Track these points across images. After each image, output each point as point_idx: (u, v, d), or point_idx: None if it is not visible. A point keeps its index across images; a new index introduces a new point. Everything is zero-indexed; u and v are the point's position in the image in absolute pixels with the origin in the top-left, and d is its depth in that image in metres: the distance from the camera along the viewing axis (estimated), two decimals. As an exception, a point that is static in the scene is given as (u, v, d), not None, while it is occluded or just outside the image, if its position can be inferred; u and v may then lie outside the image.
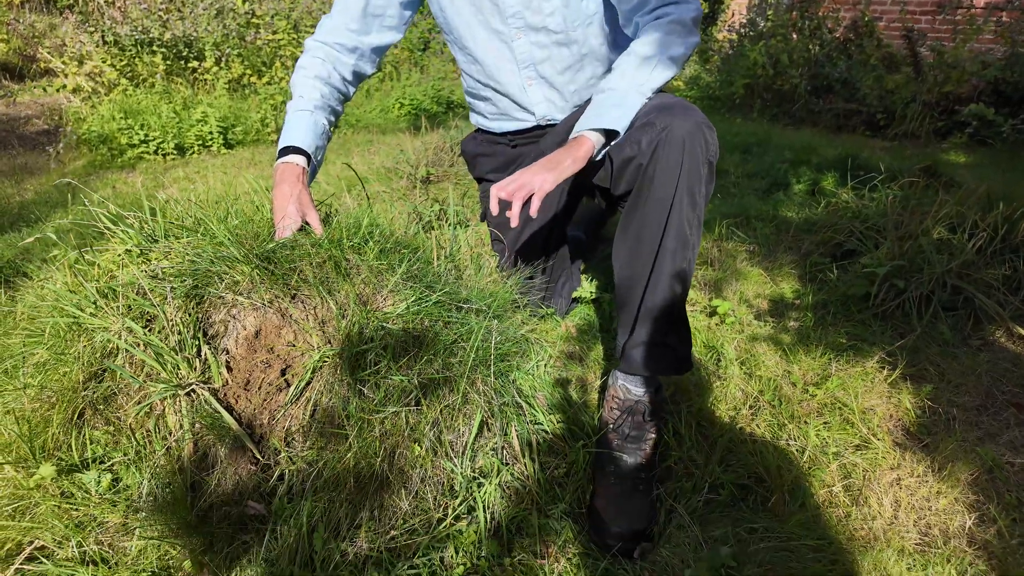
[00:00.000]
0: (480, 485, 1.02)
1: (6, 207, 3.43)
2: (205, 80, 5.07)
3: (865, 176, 3.04)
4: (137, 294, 1.07)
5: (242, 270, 1.04)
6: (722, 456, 1.23)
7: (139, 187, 3.69)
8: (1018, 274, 1.86)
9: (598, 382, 1.49)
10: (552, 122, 1.42)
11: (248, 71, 5.20)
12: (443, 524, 0.95)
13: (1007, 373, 1.57)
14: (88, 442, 1.03)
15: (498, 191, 1.08)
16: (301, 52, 1.41)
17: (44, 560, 0.91)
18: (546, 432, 1.19)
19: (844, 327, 1.74)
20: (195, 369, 1.00)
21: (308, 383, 0.97)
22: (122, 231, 1.19)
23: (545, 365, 1.36)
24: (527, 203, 1.05)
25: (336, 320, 1.00)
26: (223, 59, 5.09)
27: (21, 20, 8.60)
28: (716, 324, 1.76)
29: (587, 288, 1.79)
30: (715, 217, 2.48)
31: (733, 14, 7.72)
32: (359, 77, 1.42)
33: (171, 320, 1.02)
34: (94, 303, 1.10)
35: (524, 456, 1.09)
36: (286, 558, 0.86)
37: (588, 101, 1.36)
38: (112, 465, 1.00)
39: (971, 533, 1.13)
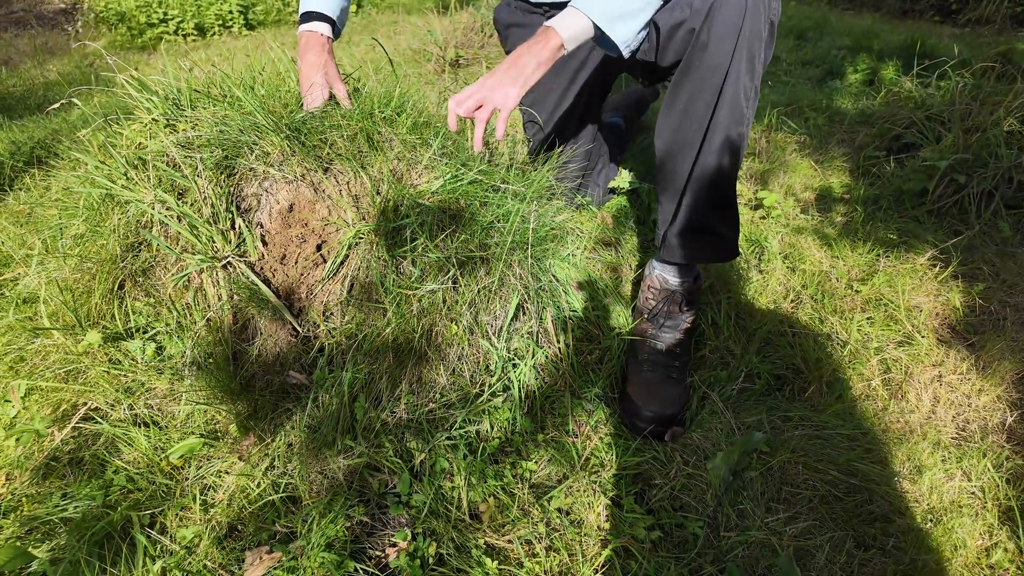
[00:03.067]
0: (515, 366, 1.02)
1: (31, 88, 3.38)
2: (221, -47, 4.77)
3: (931, 63, 2.80)
4: (167, 165, 1.04)
5: (272, 140, 1.00)
6: (760, 347, 1.21)
7: (160, 70, 3.59)
8: (1093, 171, 1.72)
9: (633, 273, 1.45)
10: None
11: (266, -57, 4.86)
12: (480, 399, 0.96)
13: (1067, 275, 1.49)
14: (131, 312, 1.05)
15: (456, 106, 0.97)
16: None
17: (100, 420, 0.95)
18: (581, 318, 1.17)
19: (896, 223, 1.66)
20: (230, 242, 0.98)
21: (344, 259, 0.96)
22: (147, 99, 1.14)
23: (581, 253, 1.33)
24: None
25: (371, 195, 0.97)
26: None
27: None
28: (761, 217, 1.68)
29: (625, 178, 1.71)
30: (764, 106, 2.32)
31: None
32: None
33: (203, 192, 0.99)
34: (125, 175, 1.07)
35: (559, 340, 1.08)
36: (328, 424, 0.89)
37: None
38: (155, 335, 1.02)
39: (1011, 429, 1.11)
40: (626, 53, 1.00)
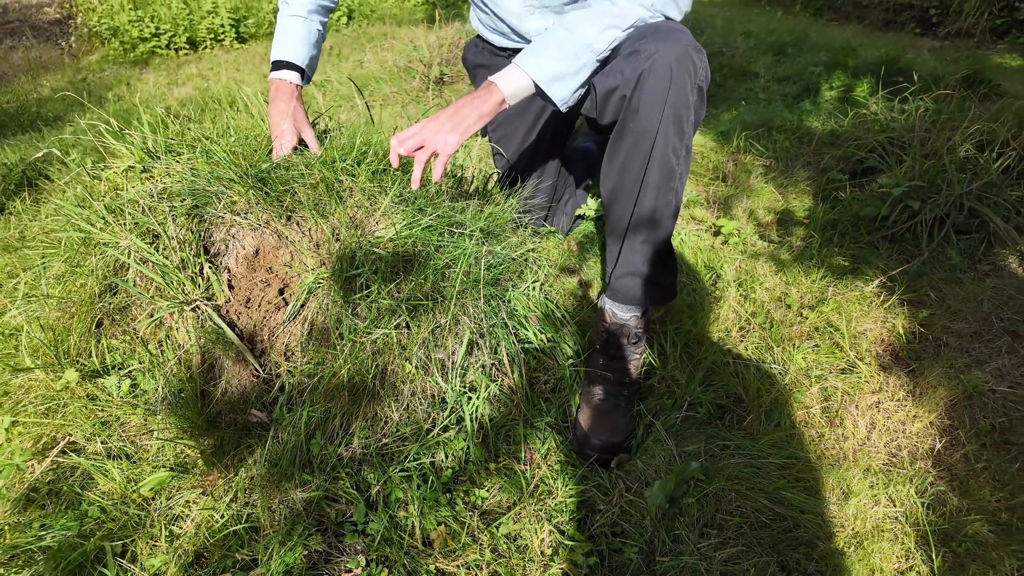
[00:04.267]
0: (469, 399, 1.08)
1: (25, 104, 3.45)
2: (214, -35, 4.83)
3: (902, 84, 2.86)
4: (142, 211, 1.11)
5: (239, 191, 1.07)
6: (704, 376, 1.28)
7: (152, 85, 3.66)
8: (1044, 195, 1.79)
9: (596, 297, 1.52)
10: None
11: (258, -45, 4.93)
12: (431, 434, 1.02)
13: (1010, 300, 1.56)
14: (107, 349, 1.11)
15: (398, 144, 1.03)
16: None
17: (74, 455, 1.02)
18: (537, 349, 1.24)
19: (850, 248, 1.72)
20: (199, 286, 1.05)
21: (304, 303, 1.03)
22: (126, 147, 1.21)
23: (541, 285, 1.39)
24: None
25: (329, 243, 1.03)
26: (231, -58, 4.81)
27: None
28: (720, 244, 1.75)
29: (591, 205, 1.78)
30: (735, 128, 2.39)
31: None
32: None
33: (173, 238, 1.06)
34: (103, 219, 1.14)
35: (512, 372, 1.15)
36: (287, 459, 0.95)
37: None
38: (130, 371, 1.09)
39: (938, 456, 1.18)
40: (564, 108, 1.07)
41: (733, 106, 2.87)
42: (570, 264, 1.66)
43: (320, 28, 1.30)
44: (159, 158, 1.21)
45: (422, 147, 1.04)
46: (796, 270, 1.64)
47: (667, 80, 0.96)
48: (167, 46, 4.14)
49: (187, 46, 4.18)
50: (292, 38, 1.26)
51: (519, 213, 1.49)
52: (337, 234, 1.04)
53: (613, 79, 1.01)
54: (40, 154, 1.62)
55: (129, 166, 1.18)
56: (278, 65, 1.26)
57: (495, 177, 1.71)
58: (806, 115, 2.53)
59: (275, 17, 4.53)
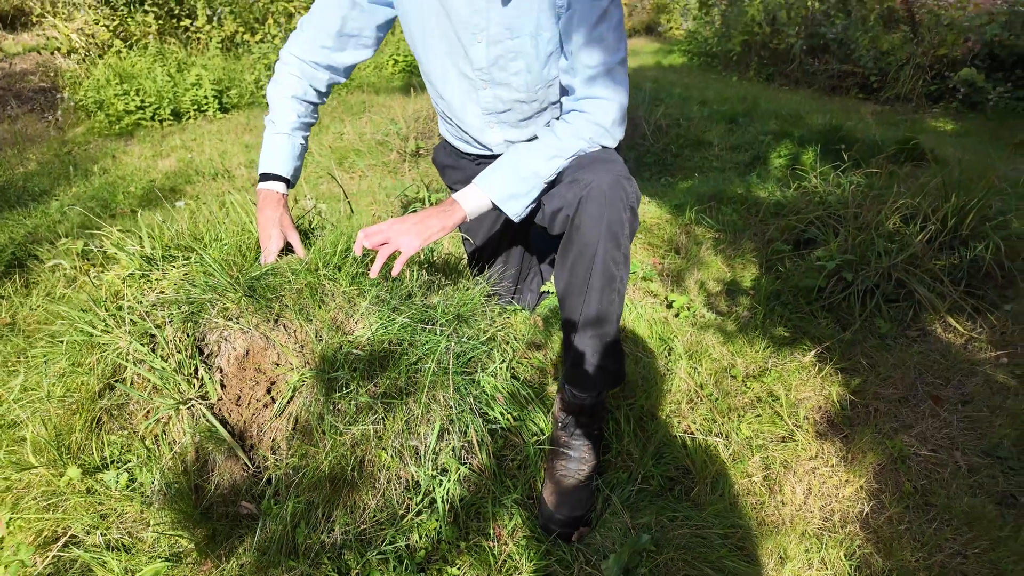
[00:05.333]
0: (441, 482, 1.20)
1: (11, 179, 3.55)
2: (198, 39, 5.06)
3: (845, 149, 3.11)
4: (141, 315, 1.23)
5: (231, 298, 1.19)
6: (656, 450, 1.41)
7: (137, 157, 3.79)
8: (963, 263, 1.98)
9: (559, 371, 1.65)
10: None
11: (241, 28, 5.17)
12: (405, 519, 1.13)
13: (934, 365, 1.72)
14: (106, 444, 1.21)
15: (365, 238, 1.19)
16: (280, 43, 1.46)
17: (74, 548, 1.10)
18: (504, 428, 1.36)
19: (791, 318, 1.89)
20: (193, 386, 1.16)
21: (290, 399, 1.14)
22: (126, 256, 1.33)
23: (508, 364, 1.52)
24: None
25: (312, 344, 1.16)
26: (215, 17, 5.05)
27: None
28: (672, 316, 1.90)
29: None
30: (688, 200, 2.59)
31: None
32: (333, 86, 1.51)
33: (171, 342, 1.17)
34: (104, 322, 1.25)
35: (480, 453, 1.27)
36: (274, 548, 1.05)
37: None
38: (128, 466, 1.18)
39: (866, 519, 1.31)
40: (517, 220, 1.26)
41: (689, 175, 3.09)
42: (536, 339, 1.79)
43: (302, 142, 1.45)
44: (157, 264, 1.33)
45: (386, 243, 1.19)
46: (741, 341, 1.79)
47: (603, 205, 1.13)
48: (152, 118, 4.30)
49: (171, 117, 4.34)
50: (278, 153, 1.41)
51: (487, 296, 1.63)
52: (320, 335, 1.17)
53: (558, 201, 1.18)
54: (49, 265, 1.72)
55: (129, 274, 1.30)
56: (265, 177, 1.40)
57: (464, 260, 1.86)
58: (755, 186, 2.74)
59: (256, 87, 4.74)
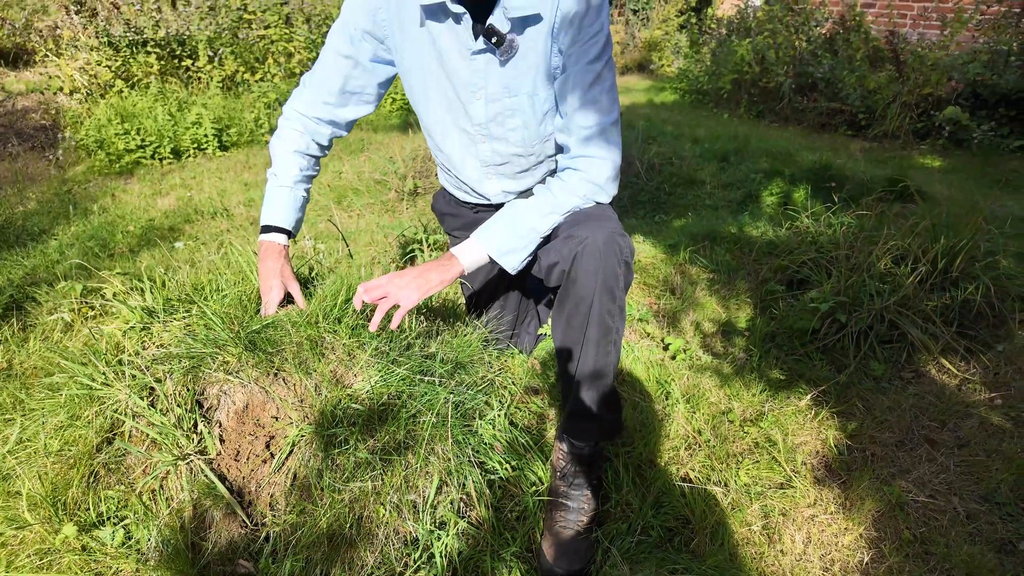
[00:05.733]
0: (439, 537, 1.19)
1: (11, 218, 3.56)
2: (199, 78, 5.14)
3: (835, 188, 3.16)
4: (141, 369, 1.23)
5: (231, 351, 1.20)
6: (656, 499, 1.40)
7: (137, 196, 3.82)
8: (954, 304, 2.01)
9: (558, 417, 1.65)
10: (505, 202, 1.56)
11: (241, 68, 5.27)
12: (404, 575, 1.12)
13: (929, 407, 1.73)
14: (102, 500, 1.20)
15: (364, 292, 1.21)
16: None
17: (71, 608, 1.09)
18: (503, 478, 1.36)
19: (787, 361, 1.90)
20: (192, 440, 1.16)
21: (289, 454, 1.14)
22: (127, 309, 1.34)
23: (507, 411, 1.53)
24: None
25: (312, 398, 1.16)
26: (216, 57, 5.15)
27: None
28: (669, 359, 1.92)
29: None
30: (682, 240, 2.62)
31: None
32: (334, 139, 1.55)
33: (171, 396, 1.18)
34: (104, 375, 1.26)
35: (479, 506, 1.26)
36: (272, 608, 1.04)
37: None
38: (124, 522, 1.17)
39: (866, 568, 1.30)
40: (513, 272, 1.29)
41: (682, 213, 3.13)
42: (534, 383, 1.80)
43: (304, 194, 1.48)
44: (158, 316, 1.34)
45: (385, 297, 1.22)
46: (738, 384, 1.80)
47: (598, 260, 1.15)
48: (152, 156, 4.35)
49: (171, 156, 4.39)
50: (280, 205, 1.43)
51: (484, 342, 1.64)
52: (319, 389, 1.17)
53: (554, 256, 1.21)
54: (52, 318, 1.73)
55: (131, 327, 1.31)
56: (267, 229, 1.43)
57: (462, 302, 1.88)
58: (747, 225, 2.78)
59: (256, 126, 4.81)
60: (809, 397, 1.73)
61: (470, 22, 1.23)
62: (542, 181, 1.49)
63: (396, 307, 1.22)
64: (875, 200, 2.70)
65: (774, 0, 5.70)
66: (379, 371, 1.21)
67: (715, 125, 4.69)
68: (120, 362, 1.25)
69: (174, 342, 1.25)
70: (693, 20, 6.94)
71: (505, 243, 1.25)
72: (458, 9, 1.20)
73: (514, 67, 1.26)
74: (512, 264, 1.26)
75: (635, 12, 6.82)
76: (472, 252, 1.26)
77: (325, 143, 1.50)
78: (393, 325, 1.20)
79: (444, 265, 1.25)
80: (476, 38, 1.24)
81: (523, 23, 1.20)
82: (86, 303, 2.36)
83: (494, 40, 1.21)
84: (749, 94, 5.07)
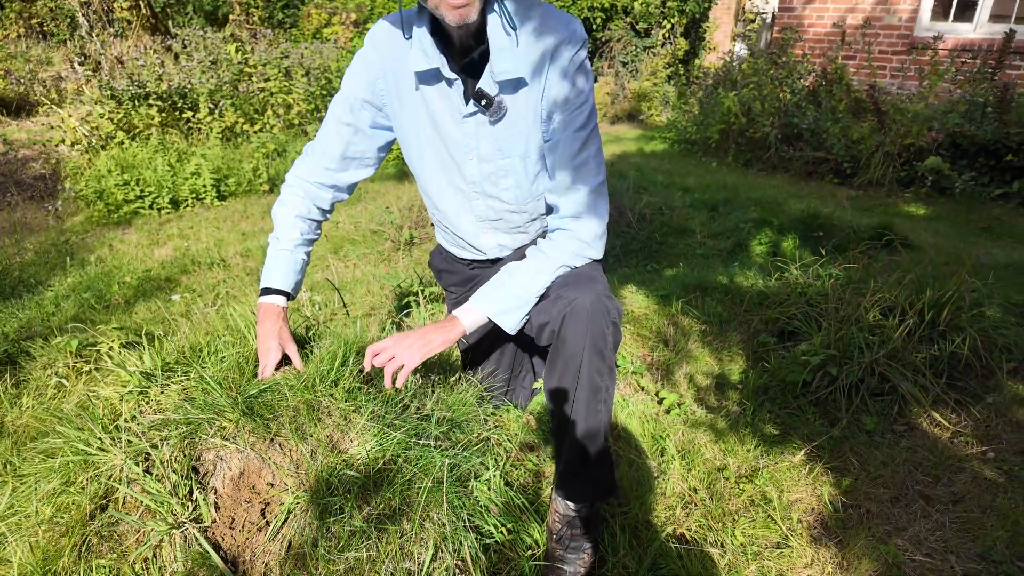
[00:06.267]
0: (434, 604, 1.18)
1: (7, 269, 3.58)
2: (199, 129, 5.25)
3: (823, 237, 3.23)
4: (137, 435, 1.24)
5: (229, 417, 1.21)
6: (653, 562, 1.40)
7: (134, 246, 3.85)
8: (943, 355, 2.04)
9: (553, 476, 1.65)
10: (501, 258, 1.60)
11: (241, 119, 5.38)
12: (399, 647, 1.11)
13: (923, 462, 1.74)
14: (94, 569, 1.19)
15: (371, 356, 1.27)
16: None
17: None
18: (499, 542, 1.35)
19: (780, 415, 1.91)
20: (187, 508, 1.16)
21: (284, 522, 1.14)
22: (125, 372, 1.35)
23: (502, 470, 1.53)
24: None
25: (308, 464, 1.17)
26: (216, 109, 5.27)
27: (17, 53, 8.78)
28: (663, 413, 1.93)
29: (547, 379, 1.96)
30: (673, 290, 2.66)
31: (713, 50, 7.97)
32: (336, 202, 1.59)
33: (167, 463, 1.18)
34: (100, 439, 1.26)
35: (475, 572, 1.25)
36: None
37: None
38: (115, 593, 1.16)
39: (865, 632, 1.29)
40: (512, 332, 1.32)
41: (673, 263, 3.18)
42: (529, 439, 1.80)
43: (304, 257, 1.51)
44: (156, 379, 1.35)
45: (392, 359, 1.26)
46: (733, 439, 1.81)
47: (586, 320, 1.19)
48: (150, 206, 4.40)
49: (169, 206, 4.45)
50: (280, 268, 1.46)
51: (479, 399, 1.65)
52: (315, 455, 1.18)
53: (544, 316, 1.25)
54: (53, 382, 1.73)
55: (128, 391, 1.32)
56: (267, 291, 1.45)
57: (457, 354, 1.90)
58: (738, 275, 2.83)
59: (254, 176, 4.89)
60: (803, 452, 1.74)
61: (461, 87, 1.30)
62: (535, 239, 1.54)
63: (401, 367, 1.26)
64: (862, 251, 2.76)
65: (759, 53, 5.91)
66: (375, 435, 1.22)
67: (704, 174, 4.80)
68: (117, 427, 1.26)
69: (172, 407, 1.25)
70: (680, 71, 7.17)
71: (501, 304, 1.29)
72: (450, 75, 1.27)
73: (506, 130, 1.32)
74: (509, 324, 1.30)
75: (624, 64, 7.05)
76: (471, 314, 1.30)
77: (327, 207, 1.54)
78: (398, 384, 1.26)
79: (446, 327, 1.29)
80: (467, 102, 1.31)
81: (510, 86, 1.28)
82: (81, 358, 2.36)
83: (483, 102, 1.27)
84: (737, 143, 5.21)
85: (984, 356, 2.04)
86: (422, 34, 1.27)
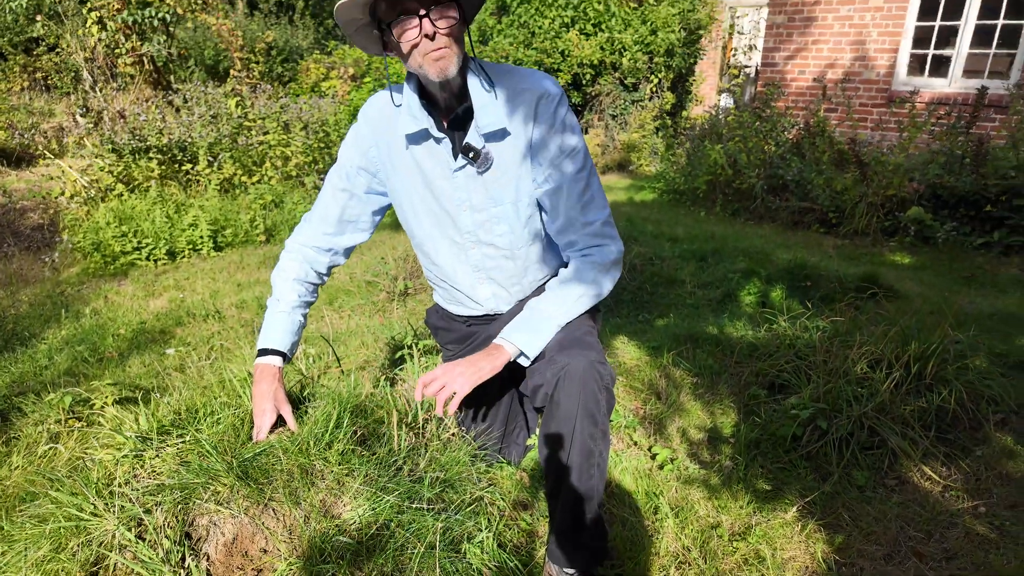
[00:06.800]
0: (426, 673, 1.17)
1: (1, 321, 3.58)
2: (198, 181, 5.34)
3: (811, 287, 3.29)
4: (131, 500, 1.24)
5: (223, 481, 1.22)
6: (647, 625, 1.39)
7: (129, 298, 3.87)
8: (931, 408, 2.06)
9: (547, 533, 1.64)
10: (499, 312, 1.64)
11: (239, 171, 5.48)
12: None
13: (915, 517, 1.75)
14: (82, 640, 1.17)
15: (422, 387, 1.33)
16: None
17: None
18: (491, 606, 1.34)
19: (772, 469, 1.92)
20: (180, 575, 1.16)
21: (277, 590, 1.14)
22: (121, 436, 1.36)
23: (495, 531, 1.52)
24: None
25: (300, 529, 1.17)
26: (215, 161, 5.37)
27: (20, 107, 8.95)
28: (657, 468, 1.93)
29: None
30: (665, 342, 2.69)
31: (699, 102, 8.23)
32: (333, 267, 1.65)
33: (160, 528, 1.18)
34: (93, 505, 1.26)
35: (468, 638, 1.24)
36: None
37: (527, 298, 1.59)
38: (103, 665, 1.14)
39: None
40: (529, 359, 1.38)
41: (664, 313, 3.23)
42: (523, 498, 1.80)
43: (301, 319, 1.55)
44: (151, 443, 1.36)
45: (443, 388, 1.32)
46: (726, 495, 1.82)
47: (578, 385, 1.22)
48: (147, 258, 4.44)
49: (166, 257, 4.49)
50: (277, 329, 1.50)
51: (473, 456, 1.66)
52: (308, 519, 1.18)
53: (539, 378, 1.28)
54: (48, 449, 1.73)
55: (123, 455, 1.32)
56: (263, 352, 1.48)
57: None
58: (727, 326, 2.87)
59: (251, 227, 4.95)
60: (796, 508, 1.74)
61: (449, 144, 1.41)
62: (529, 291, 1.60)
63: (452, 395, 1.31)
64: (848, 303, 2.82)
65: (743, 107, 6.12)
66: (368, 499, 1.23)
67: (693, 224, 4.90)
68: (111, 492, 1.26)
69: (167, 471, 1.26)
70: (668, 123, 7.39)
71: (535, 329, 1.38)
72: (438, 134, 1.38)
73: (495, 179, 1.41)
74: (533, 348, 1.37)
75: (614, 117, 7.26)
76: (512, 343, 1.36)
77: (323, 271, 1.60)
78: (450, 411, 1.32)
79: (492, 354, 1.35)
80: (456, 157, 1.41)
81: (496, 137, 1.38)
82: (74, 415, 2.35)
83: (471, 155, 1.38)
84: (724, 194, 5.33)
85: (971, 408, 2.06)
86: (410, 99, 1.38)
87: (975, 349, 2.33)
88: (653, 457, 1.97)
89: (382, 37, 1.32)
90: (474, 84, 1.35)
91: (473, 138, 1.37)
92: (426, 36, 1.23)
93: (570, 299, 1.39)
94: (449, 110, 1.40)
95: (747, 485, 1.85)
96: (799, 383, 2.23)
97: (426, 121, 1.37)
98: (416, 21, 1.22)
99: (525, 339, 1.36)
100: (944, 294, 3.43)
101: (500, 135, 1.38)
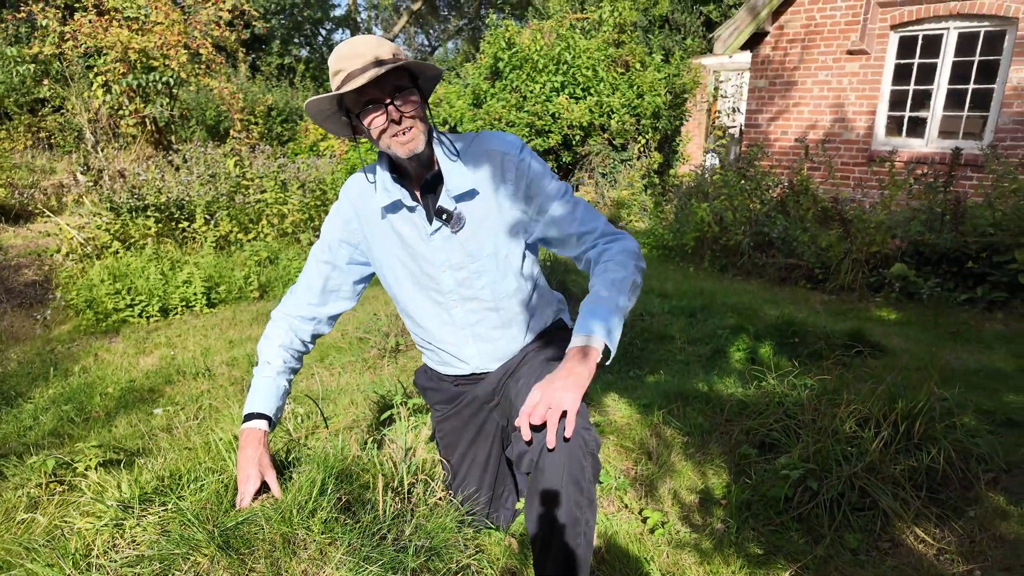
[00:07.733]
0: None
1: (-12, 380, 3.55)
2: (194, 238, 5.40)
3: (799, 343, 3.31)
4: (108, 573, 1.22)
5: (204, 552, 1.20)
6: None
7: (120, 355, 3.86)
8: (921, 467, 2.06)
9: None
10: (487, 371, 1.65)
11: (235, 228, 5.56)
12: None
13: (909, 583, 1.72)
14: None
15: (529, 416, 1.23)
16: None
17: None
18: None
19: (764, 532, 1.90)
20: (154, 653, 1.13)
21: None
22: (102, 504, 1.35)
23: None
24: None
25: (283, 602, 1.15)
26: (212, 219, 5.45)
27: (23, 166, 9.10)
28: (648, 532, 1.91)
29: (529, 498, 1.94)
30: (655, 400, 2.69)
31: (686, 161, 8.47)
32: (317, 336, 1.68)
33: (137, 602, 1.16)
34: (69, 577, 1.23)
35: None
36: None
37: (515, 357, 1.61)
38: None
39: None
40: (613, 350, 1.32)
41: (655, 369, 3.24)
42: (511, 565, 1.76)
43: (286, 385, 1.57)
44: (132, 511, 1.34)
45: (550, 409, 1.22)
46: (718, 560, 1.79)
47: (563, 453, 1.23)
48: (139, 315, 4.44)
49: (158, 314, 4.49)
50: (264, 394, 1.51)
51: (460, 522, 1.64)
52: (290, 592, 1.16)
53: (523, 445, 1.28)
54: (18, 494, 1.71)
55: (103, 524, 1.31)
56: (249, 417, 1.49)
57: (440, 478, 1.89)
58: (717, 383, 2.88)
59: (245, 283, 4.98)
60: (788, 574, 1.72)
61: (423, 211, 1.50)
62: (518, 345, 1.64)
63: (564, 414, 1.22)
64: (835, 360, 2.84)
65: (729, 166, 6.30)
66: (351, 569, 1.21)
67: (682, 279, 4.96)
68: (89, 565, 1.24)
69: (147, 542, 1.24)
70: (656, 181, 7.58)
71: (606, 322, 1.30)
72: (411, 203, 1.47)
73: (471, 236, 1.49)
74: (614, 343, 1.31)
75: (603, 175, 7.46)
76: (595, 338, 1.28)
77: (308, 339, 1.64)
78: (568, 432, 1.21)
79: (578, 356, 1.27)
80: (431, 221, 1.49)
81: (466, 197, 1.47)
82: (56, 478, 2.31)
83: (444, 217, 1.46)
84: (712, 250, 5.42)
85: (961, 467, 2.06)
86: (383, 175, 1.49)
87: (962, 407, 2.34)
88: (644, 520, 1.95)
89: (351, 123, 1.44)
90: (439, 152, 1.46)
91: (444, 201, 1.47)
92: (392, 121, 1.35)
93: (618, 280, 1.36)
94: (419, 178, 1.49)
95: (739, 549, 1.82)
96: (789, 442, 2.23)
97: (399, 193, 1.47)
98: (382, 109, 1.34)
99: (601, 328, 1.29)
100: (931, 350, 3.46)
101: (470, 195, 1.48)
